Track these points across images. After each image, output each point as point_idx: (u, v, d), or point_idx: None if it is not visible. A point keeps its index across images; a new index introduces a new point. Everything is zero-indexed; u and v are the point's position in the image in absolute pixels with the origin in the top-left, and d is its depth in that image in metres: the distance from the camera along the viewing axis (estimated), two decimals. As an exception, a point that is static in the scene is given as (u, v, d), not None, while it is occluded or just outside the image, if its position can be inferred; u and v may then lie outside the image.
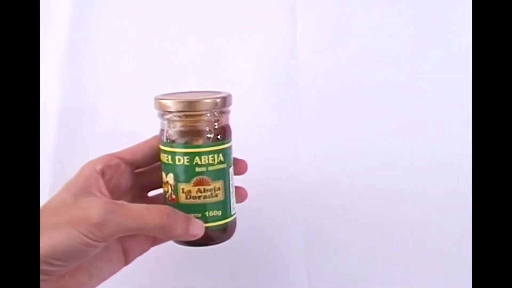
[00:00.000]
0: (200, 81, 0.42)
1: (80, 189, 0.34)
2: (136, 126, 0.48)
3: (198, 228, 0.34)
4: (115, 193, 0.36)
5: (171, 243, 0.37)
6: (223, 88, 0.38)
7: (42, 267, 0.30)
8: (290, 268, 0.47)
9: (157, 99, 0.36)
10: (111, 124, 0.50)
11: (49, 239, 0.30)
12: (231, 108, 0.37)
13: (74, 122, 0.50)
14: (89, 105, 0.51)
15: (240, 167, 0.39)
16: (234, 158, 0.38)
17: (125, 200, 0.35)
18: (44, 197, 0.45)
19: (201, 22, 0.50)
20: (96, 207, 0.32)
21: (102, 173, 0.36)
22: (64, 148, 0.50)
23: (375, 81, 0.48)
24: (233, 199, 0.38)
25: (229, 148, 0.37)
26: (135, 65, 0.51)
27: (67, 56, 0.51)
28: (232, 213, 0.38)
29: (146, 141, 0.38)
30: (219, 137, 0.36)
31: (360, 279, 0.46)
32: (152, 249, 0.39)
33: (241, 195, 0.39)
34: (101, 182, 0.35)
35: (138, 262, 0.38)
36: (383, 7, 0.48)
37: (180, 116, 0.36)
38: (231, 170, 0.37)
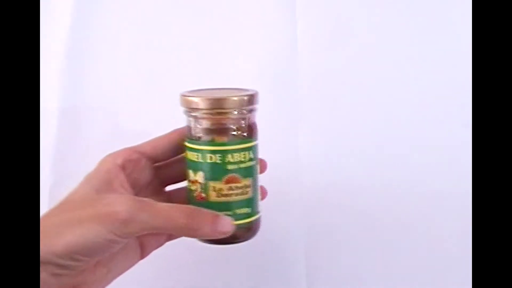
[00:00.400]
0: (200, 81, 0.42)
1: (102, 183, 0.34)
2: (136, 125, 0.48)
3: (227, 225, 0.34)
4: (135, 188, 0.36)
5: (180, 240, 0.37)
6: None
7: (66, 262, 0.30)
8: (290, 267, 0.47)
9: (184, 96, 0.35)
10: (111, 124, 0.50)
11: (75, 235, 0.30)
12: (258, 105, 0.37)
13: (74, 122, 0.50)
14: (89, 105, 0.51)
15: (261, 166, 0.38)
16: None
17: (145, 195, 0.36)
18: (44, 197, 0.45)
19: (201, 22, 0.50)
20: (123, 203, 0.31)
21: (123, 168, 0.35)
22: (64, 148, 0.50)
23: (375, 81, 0.48)
24: (259, 196, 0.38)
25: (257, 145, 0.37)
26: (135, 65, 0.51)
27: (67, 56, 0.51)
28: (258, 210, 0.38)
29: (166, 135, 0.38)
30: (248, 134, 0.36)
31: (359, 279, 0.46)
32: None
33: (261, 193, 0.39)
34: (123, 177, 0.35)
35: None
36: (383, 7, 0.49)
37: (211, 114, 0.35)
38: (257, 167, 0.37)
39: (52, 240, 0.30)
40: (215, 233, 0.33)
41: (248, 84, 0.48)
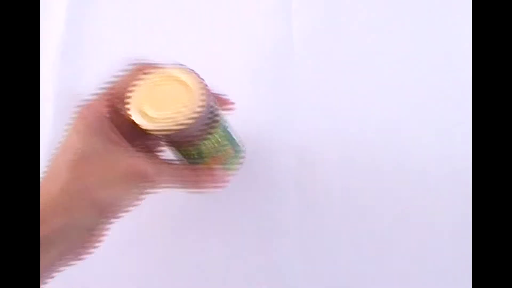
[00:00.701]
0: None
1: (104, 139, 0.32)
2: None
3: (225, 180, 0.37)
4: (125, 137, 0.34)
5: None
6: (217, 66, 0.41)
7: (99, 223, 0.31)
8: (282, 219, 0.45)
9: (139, 124, 0.32)
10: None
11: (109, 194, 0.31)
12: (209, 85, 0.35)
13: (69, 107, 0.50)
14: (85, 89, 0.50)
15: (227, 106, 0.39)
16: (218, 99, 0.37)
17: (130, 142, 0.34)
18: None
19: (195, 9, 0.51)
20: (147, 162, 0.32)
21: (112, 120, 0.33)
22: (60, 133, 0.49)
23: (371, 51, 0.49)
24: (235, 136, 0.39)
25: (221, 115, 0.37)
26: (132, 54, 0.51)
27: (62, 52, 0.51)
28: (241, 147, 0.41)
29: (132, 73, 0.34)
30: (212, 123, 0.35)
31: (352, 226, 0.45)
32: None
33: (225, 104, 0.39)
34: (115, 129, 0.33)
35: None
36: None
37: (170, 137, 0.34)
38: (225, 121, 0.37)
39: (92, 199, 0.30)
40: (216, 187, 0.36)
41: (243, 62, 0.49)
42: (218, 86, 0.42)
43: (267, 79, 0.48)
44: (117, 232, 0.35)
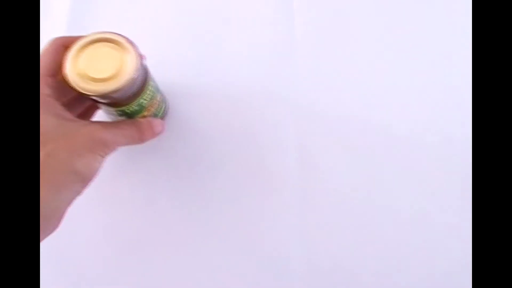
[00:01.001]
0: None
1: (58, 116, 0.33)
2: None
3: (160, 127, 0.41)
4: (69, 110, 0.36)
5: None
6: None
7: (79, 192, 0.33)
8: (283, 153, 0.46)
9: (77, 88, 0.33)
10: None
11: (84, 165, 0.32)
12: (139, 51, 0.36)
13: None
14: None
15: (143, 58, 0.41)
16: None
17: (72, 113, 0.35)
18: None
19: (196, 9, 0.51)
20: (103, 130, 0.34)
21: (57, 98, 0.34)
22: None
23: (372, 50, 0.49)
24: (158, 86, 0.41)
25: (151, 77, 0.38)
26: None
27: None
28: (164, 94, 0.43)
29: (54, 50, 0.35)
30: (145, 72, 0.37)
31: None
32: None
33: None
34: (61, 105, 0.34)
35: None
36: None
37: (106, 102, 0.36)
38: (150, 72, 0.38)
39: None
40: (155, 136, 0.40)
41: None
42: (218, 85, 0.43)
43: (269, 77, 0.48)
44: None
